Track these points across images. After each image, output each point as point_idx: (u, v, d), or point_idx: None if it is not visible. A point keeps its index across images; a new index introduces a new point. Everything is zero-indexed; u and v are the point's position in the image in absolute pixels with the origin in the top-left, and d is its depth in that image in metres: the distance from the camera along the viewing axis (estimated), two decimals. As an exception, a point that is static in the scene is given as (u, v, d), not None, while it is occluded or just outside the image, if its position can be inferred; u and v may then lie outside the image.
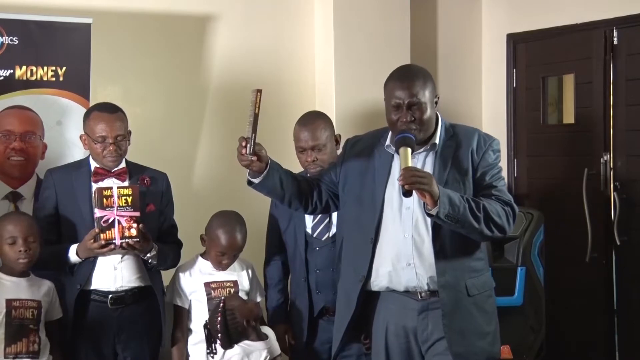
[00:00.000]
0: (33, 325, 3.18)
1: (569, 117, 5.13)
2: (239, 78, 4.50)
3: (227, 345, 3.39)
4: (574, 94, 5.00)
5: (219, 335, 3.37)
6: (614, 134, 4.78)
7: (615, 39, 4.74)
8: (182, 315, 3.58)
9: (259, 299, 3.72)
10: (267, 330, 3.56)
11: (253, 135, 2.86)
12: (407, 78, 3.04)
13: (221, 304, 3.42)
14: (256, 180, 3.02)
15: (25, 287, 3.22)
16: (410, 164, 2.84)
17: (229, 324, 3.38)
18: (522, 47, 5.28)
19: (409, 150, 2.88)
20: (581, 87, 4.94)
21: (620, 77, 4.75)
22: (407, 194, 2.81)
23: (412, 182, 2.76)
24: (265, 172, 3.00)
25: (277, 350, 3.52)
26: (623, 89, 4.74)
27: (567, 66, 5.03)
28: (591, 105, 4.88)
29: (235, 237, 3.56)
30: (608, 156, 4.77)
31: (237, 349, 3.41)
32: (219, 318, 3.37)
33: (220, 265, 3.59)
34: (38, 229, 3.27)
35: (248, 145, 2.87)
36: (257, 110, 2.86)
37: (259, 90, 2.86)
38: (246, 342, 3.41)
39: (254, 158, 2.92)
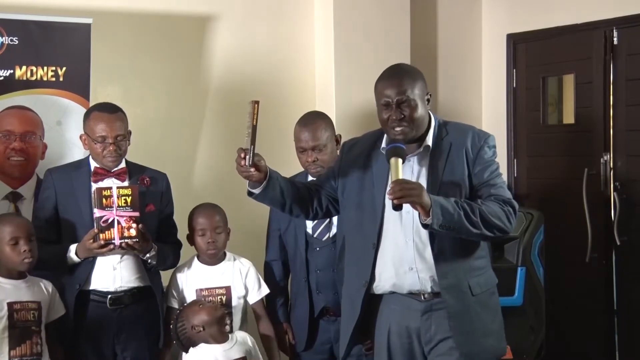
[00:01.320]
0: (35, 326, 3.18)
1: (569, 117, 5.13)
2: (239, 78, 4.50)
3: (183, 349, 3.44)
4: (574, 94, 5.00)
5: (174, 341, 3.44)
6: (614, 134, 4.78)
7: (615, 39, 4.74)
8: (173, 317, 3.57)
9: (258, 297, 3.69)
10: (239, 333, 3.54)
11: (252, 147, 2.84)
12: (395, 76, 3.01)
13: (177, 312, 3.47)
14: (256, 191, 3.00)
15: (25, 289, 3.21)
16: (400, 176, 2.81)
17: (178, 332, 3.41)
18: (522, 47, 5.27)
19: (400, 161, 2.85)
20: (581, 87, 4.94)
21: (620, 77, 4.75)
22: (397, 207, 2.79)
23: (401, 196, 2.75)
24: (265, 182, 2.97)
25: (237, 354, 3.44)
26: (623, 89, 4.74)
27: (567, 66, 5.03)
28: (591, 105, 4.88)
29: (211, 212, 3.60)
30: (608, 156, 4.77)
31: (193, 350, 3.43)
32: (171, 326, 3.42)
33: (208, 249, 3.58)
34: (34, 228, 3.28)
35: (247, 157, 2.84)
36: (255, 122, 2.83)
37: (257, 102, 2.84)
38: (202, 344, 3.43)
39: (253, 170, 2.89)
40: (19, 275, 3.22)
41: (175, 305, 3.58)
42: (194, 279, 3.60)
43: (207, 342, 3.40)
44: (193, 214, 3.64)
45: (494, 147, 3.09)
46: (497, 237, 2.98)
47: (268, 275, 3.82)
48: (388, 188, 2.81)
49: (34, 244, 3.20)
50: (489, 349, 3.04)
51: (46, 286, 3.29)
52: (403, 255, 2.99)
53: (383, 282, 3.04)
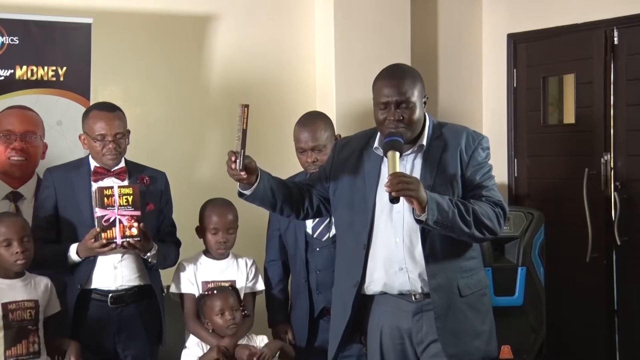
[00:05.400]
0: (32, 325, 3.18)
1: (569, 117, 5.13)
2: (239, 78, 4.50)
3: None
4: (574, 94, 4.99)
5: None
6: (614, 134, 4.78)
7: (615, 39, 4.74)
8: (190, 302, 3.58)
9: (250, 290, 3.69)
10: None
11: (242, 151, 2.85)
12: (396, 76, 3.00)
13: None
14: (247, 192, 3.00)
15: (21, 288, 3.20)
16: (398, 169, 2.81)
17: None
18: (522, 47, 5.27)
19: (397, 154, 2.85)
20: (581, 87, 4.93)
21: (621, 77, 4.75)
22: (394, 200, 2.78)
23: (398, 189, 2.74)
24: (255, 184, 2.97)
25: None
26: (623, 89, 4.74)
27: (568, 66, 5.02)
28: (591, 105, 4.87)
29: (225, 211, 3.61)
30: (608, 156, 4.77)
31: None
32: None
33: (218, 248, 3.61)
34: (30, 228, 3.28)
35: (237, 160, 2.85)
36: (244, 126, 2.84)
37: (246, 106, 2.85)
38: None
39: (244, 173, 2.89)
40: (15, 274, 3.21)
41: (187, 290, 3.58)
42: (200, 272, 3.62)
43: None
44: (206, 210, 3.65)
45: (488, 148, 3.10)
46: (486, 239, 2.99)
47: (268, 276, 3.82)
48: (385, 180, 2.80)
49: (28, 244, 3.20)
50: (475, 350, 3.03)
51: (44, 282, 3.28)
52: (393, 256, 2.99)
53: (374, 283, 3.04)
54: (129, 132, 3.48)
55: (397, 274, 2.99)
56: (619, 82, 4.76)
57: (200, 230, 3.67)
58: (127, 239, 3.27)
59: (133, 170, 3.51)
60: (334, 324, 3.20)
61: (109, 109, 3.45)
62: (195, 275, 3.61)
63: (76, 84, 3.82)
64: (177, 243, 3.66)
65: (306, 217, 3.29)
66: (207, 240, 3.64)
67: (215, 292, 3.51)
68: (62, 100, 3.80)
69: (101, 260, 3.38)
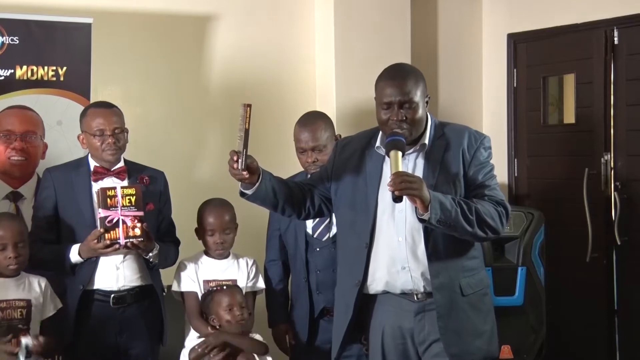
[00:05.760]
0: (22, 324, 3.16)
1: (569, 117, 5.13)
2: (239, 78, 4.50)
3: None
4: (574, 94, 5.00)
5: None
6: (614, 134, 4.78)
7: (615, 38, 4.74)
8: (192, 300, 3.58)
9: (251, 289, 3.69)
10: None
11: (244, 150, 2.85)
12: (399, 77, 3.01)
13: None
14: (249, 192, 3.00)
15: (13, 287, 3.19)
16: (400, 168, 2.82)
17: None
18: (522, 47, 5.28)
19: (400, 153, 2.85)
20: (582, 87, 4.94)
21: (621, 77, 4.75)
22: (397, 199, 2.79)
23: (402, 188, 2.74)
24: (257, 184, 2.96)
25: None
26: (623, 89, 4.74)
27: (568, 66, 5.02)
28: (592, 105, 4.88)
29: (221, 212, 3.62)
30: (608, 156, 4.77)
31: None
32: None
33: (216, 249, 3.61)
34: (27, 232, 3.26)
35: (239, 160, 2.86)
36: (247, 126, 2.85)
37: (249, 105, 2.85)
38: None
39: (246, 173, 2.89)
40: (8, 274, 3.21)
41: (191, 288, 3.58)
42: (202, 271, 3.62)
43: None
44: (203, 212, 3.65)
45: (490, 148, 3.10)
46: (488, 238, 3.00)
47: (268, 276, 3.82)
48: (387, 180, 2.81)
49: (23, 250, 3.19)
50: (477, 350, 3.04)
51: (39, 283, 3.26)
52: (395, 255, 3.00)
53: (376, 282, 3.05)
54: (127, 131, 3.48)
55: (400, 273, 2.99)
56: (619, 82, 4.76)
57: (199, 233, 3.67)
58: (131, 240, 3.26)
59: (132, 170, 3.51)
60: (337, 324, 3.20)
61: (107, 105, 3.47)
62: (197, 274, 3.60)
63: (76, 83, 3.82)
64: (176, 242, 3.67)
65: (307, 217, 3.29)
66: (206, 241, 3.64)
67: (224, 287, 3.52)
68: (62, 100, 3.80)
69: (103, 261, 3.38)
